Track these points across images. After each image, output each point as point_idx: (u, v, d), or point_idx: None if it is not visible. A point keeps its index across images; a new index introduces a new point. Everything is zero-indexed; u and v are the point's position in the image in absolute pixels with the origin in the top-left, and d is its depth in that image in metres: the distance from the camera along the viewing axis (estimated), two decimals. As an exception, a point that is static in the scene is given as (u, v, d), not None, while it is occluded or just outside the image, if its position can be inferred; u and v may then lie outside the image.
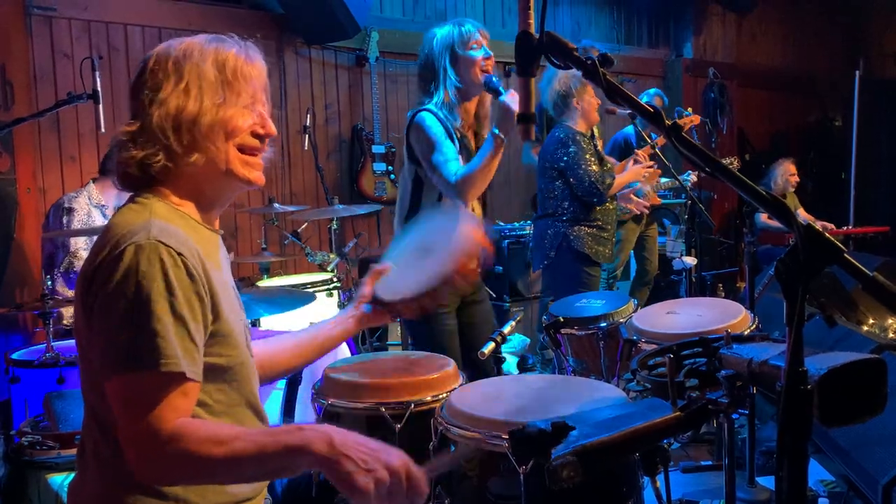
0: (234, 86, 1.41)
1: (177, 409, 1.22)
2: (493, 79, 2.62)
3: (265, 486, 1.53)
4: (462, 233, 1.79)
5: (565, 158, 3.79)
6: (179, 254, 1.27)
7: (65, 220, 3.53)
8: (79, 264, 3.45)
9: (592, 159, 3.82)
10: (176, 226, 1.34)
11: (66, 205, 3.57)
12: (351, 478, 1.20)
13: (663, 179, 4.97)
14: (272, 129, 1.47)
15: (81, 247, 3.51)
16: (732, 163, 4.91)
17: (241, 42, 1.46)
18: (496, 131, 2.50)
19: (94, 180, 3.74)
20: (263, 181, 1.48)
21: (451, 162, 2.56)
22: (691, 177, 4.83)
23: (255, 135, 1.45)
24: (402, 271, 1.88)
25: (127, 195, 1.44)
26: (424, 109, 2.64)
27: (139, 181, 1.40)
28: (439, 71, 2.64)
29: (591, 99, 3.90)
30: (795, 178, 6.64)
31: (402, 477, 1.22)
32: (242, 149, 1.43)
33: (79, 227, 3.49)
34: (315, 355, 1.80)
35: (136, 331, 1.21)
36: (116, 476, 1.31)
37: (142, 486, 1.31)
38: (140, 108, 1.38)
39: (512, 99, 2.48)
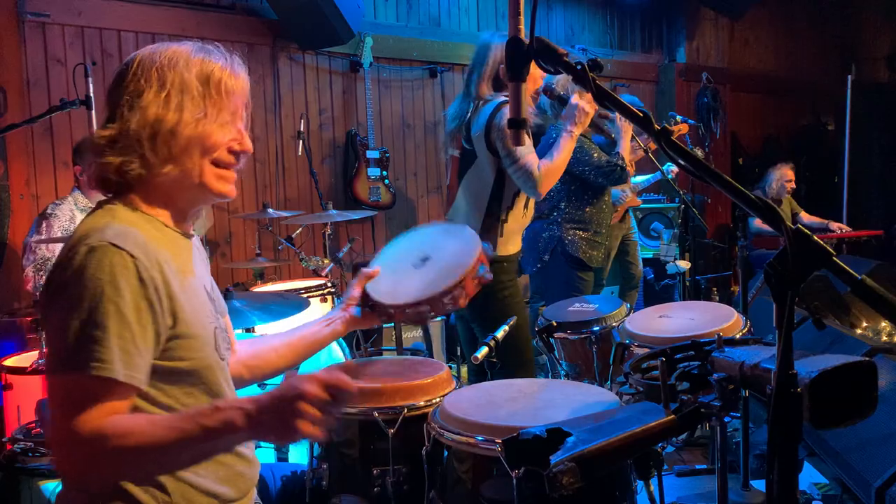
0: (217, 100, 1.40)
1: (105, 412, 1.21)
2: (552, 85, 2.93)
3: (252, 488, 1.52)
4: (469, 251, 1.82)
5: (572, 155, 3.78)
6: (133, 256, 1.26)
7: (43, 226, 3.51)
8: None
9: (595, 146, 3.84)
10: (139, 230, 1.33)
11: (48, 212, 3.56)
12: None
13: (639, 178, 4.98)
14: (249, 146, 1.47)
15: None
16: (695, 151, 4.89)
17: (227, 54, 1.46)
18: (569, 127, 2.77)
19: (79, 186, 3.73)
20: (235, 194, 1.47)
21: (533, 154, 2.68)
22: (671, 170, 4.82)
23: (231, 151, 1.44)
24: (398, 277, 1.88)
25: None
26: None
27: (116, 185, 1.39)
28: None
29: (587, 104, 3.90)
30: (792, 185, 6.59)
31: (319, 395, 1.21)
32: (217, 163, 1.42)
33: (59, 233, 3.46)
34: (303, 356, 1.79)
35: (75, 332, 1.21)
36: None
37: (124, 495, 1.31)
38: (118, 112, 1.37)
39: (579, 99, 2.79)
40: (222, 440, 1.24)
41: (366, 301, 1.84)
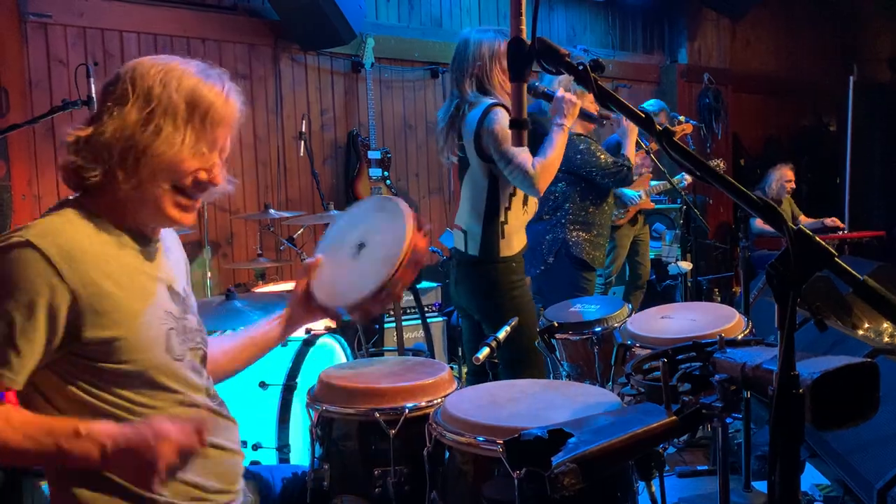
0: (199, 128, 1.37)
1: None
2: (535, 83, 2.86)
3: (237, 479, 1.54)
4: (407, 235, 1.70)
5: (578, 157, 3.77)
6: (46, 257, 1.26)
7: None
8: None
9: (601, 148, 3.86)
10: (82, 234, 1.33)
11: None
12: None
13: (655, 183, 4.98)
14: (218, 179, 1.42)
15: None
16: (718, 165, 4.94)
17: (226, 81, 1.43)
18: (559, 121, 2.74)
19: None
20: (192, 222, 1.45)
21: (526, 152, 2.65)
22: (685, 178, 4.84)
23: (196, 180, 1.40)
24: (339, 269, 1.81)
25: None
26: (497, 104, 2.68)
27: (75, 186, 1.39)
28: (493, 75, 2.75)
29: (590, 104, 3.90)
30: (791, 185, 6.60)
31: (175, 449, 1.25)
32: (178, 190, 1.39)
33: None
34: (255, 356, 1.77)
35: None
36: (71, 479, 1.34)
37: (111, 486, 1.32)
38: (97, 116, 1.36)
39: (564, 93, 2.76)
40: (74, 463, 1.26)
41: (312, 297, 1.78)
